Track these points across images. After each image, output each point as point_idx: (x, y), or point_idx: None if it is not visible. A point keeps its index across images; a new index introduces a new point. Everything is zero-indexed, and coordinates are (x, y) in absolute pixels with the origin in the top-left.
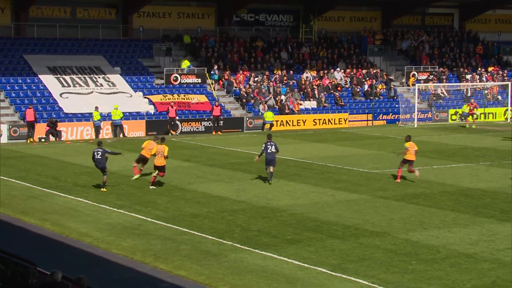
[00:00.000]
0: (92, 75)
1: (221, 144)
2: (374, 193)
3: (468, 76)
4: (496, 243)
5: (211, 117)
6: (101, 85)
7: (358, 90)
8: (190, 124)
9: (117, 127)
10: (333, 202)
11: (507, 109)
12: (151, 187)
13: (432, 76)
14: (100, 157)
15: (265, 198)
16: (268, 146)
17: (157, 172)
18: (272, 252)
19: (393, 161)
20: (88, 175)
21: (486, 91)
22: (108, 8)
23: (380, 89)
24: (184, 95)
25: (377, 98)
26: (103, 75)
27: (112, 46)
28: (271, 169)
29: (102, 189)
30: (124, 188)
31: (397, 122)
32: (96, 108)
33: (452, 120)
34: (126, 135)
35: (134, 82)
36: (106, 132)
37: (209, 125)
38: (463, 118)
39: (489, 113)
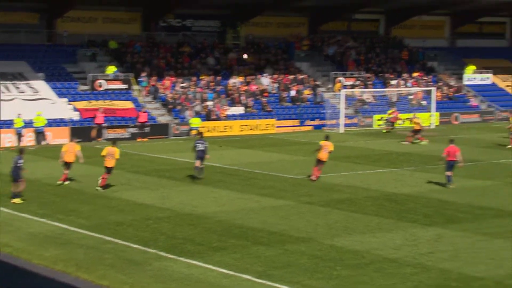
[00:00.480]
0: (14, 82)
1: (146, 151)
2: (300, 199)
3: (394, 82)
4: (419, 247)
5: (137, 123)
6: (24, 91)
7: (285, 95)
8: (115, 130)
9: (39, 134)
10: (259, 209)
11: (431, 115)
12: (99, 188)
13: (358, 82)
14: (17, 166)
15: (190, 205)
16: (198, 144)
17: (105, 173)
18: (197, 260)
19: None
20: (9, 184)
21: (411, 97)
22: (31, 13)
23: (306, 94)
24: (110, 101)
25: (304, 104)
26: (25, 81)
27: (35, 51)
28: (198, 163)
29: (14, 200)
30: (46, 196)
31: (323, 128)
32: (19, 115)
33: (378, 125)
34: (48, 142)
35: (58, 88)
36: (29, 139)
37: (135, 131)
38: (388, 123)
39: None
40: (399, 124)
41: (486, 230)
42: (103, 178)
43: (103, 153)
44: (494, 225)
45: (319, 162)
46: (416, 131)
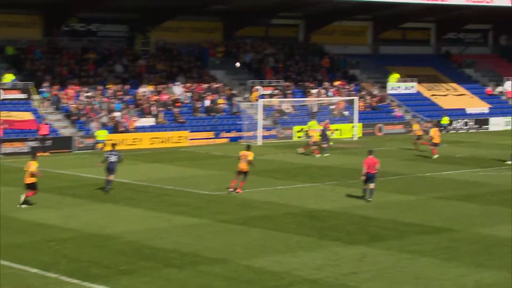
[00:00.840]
0: None
1: (48, 166)
2: (215, 216)
3: (314, 91)
4: (341, 267)
5: (37, 136)
6: None
7: (199, 106)
8: (12, 144)
9: None
10: (171, 228)
11: (353, 126)
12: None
13: (277, 91)
14: None
15: (96, 225)
16: (110, 156)
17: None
18: (103, 284)
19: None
20: None
21: (332, 107)
22: None
23: (221, 104)
24: (7, 113)
25: (219, 115)
26: None
27: None
28: (111, 177)
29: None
30: None
31: (240, 140)
32: None
33: (298, 137)
34: None
35: None
36: None
37: (35, 145)
38: (308, 135)
39: (335, 130)
40: (332, 136)
41: (411, 248)
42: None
43: (26, 168)
44: (419, 242)
45: (239, 173)
46: (315, 143)
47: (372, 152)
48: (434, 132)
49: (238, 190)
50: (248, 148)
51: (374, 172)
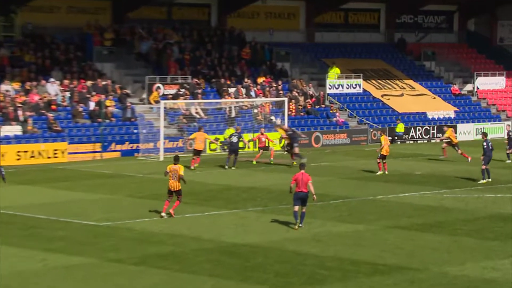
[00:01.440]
0: None
1: None
2: (104, 254)
3: (232, 90)
4: None
5: None
6: None
7: (80, 109)
8: None
9: None
10: (45, 271)
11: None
12: None
13: (183, 90)
14: None
15: None
16: None
17: None
18: None
19: (131, 209)
20: None
21: (255, 110)
22: None
23: (110, 107)
24: None
25: (108, 121)
26: None
27: None
28: None
29: None
30: None
31: (136, 154)
32: None
33: (211, 150)
34: None
35: None
36: None
37: None
38: (225, 147)
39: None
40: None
41: None
42: None
43: None
44: (370, 285)
45: (170, 192)
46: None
47: (304, 166)
48: (450, 133)
49: (171, 212)
50: (176, 160)
51: (307, 191)
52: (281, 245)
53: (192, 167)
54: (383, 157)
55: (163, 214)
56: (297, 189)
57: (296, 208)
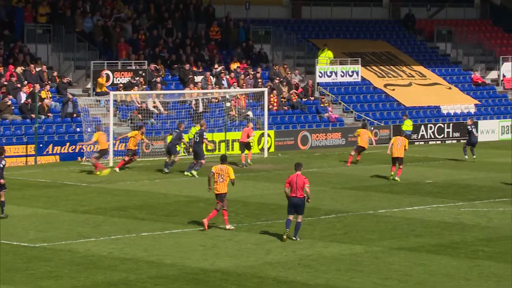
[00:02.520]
0: None
1: None
2: (40, 283)
3: (199, 79)
4: None
5: None
6: None
7: (9, 102)
8: None
9: None
10: None
11: (262, 133)
12: None
13: (137, 79)
14: None
15: None
16: None
17: None
18: None
19: (73, 227)
20: None
21: (228, 104)
22: None
23: (46, 100)
24: None
25: (43, 117)
26: None
27: None
28: None
29: None
30: None
31: (79, 158)
32: None
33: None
34: None
35: None
36: None
37: None
38: (189, 150)
39: (234, 141)
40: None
41: None
42: None
43: None
44: None
45: (218, 197)
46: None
47: (300, 167)
48: None
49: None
50: (223, 160)
51: (303, 196)
52: (259, 271)
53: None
54: (361, 149)
55: (228, 227)
56: (292, 194)
57: (291, 217)
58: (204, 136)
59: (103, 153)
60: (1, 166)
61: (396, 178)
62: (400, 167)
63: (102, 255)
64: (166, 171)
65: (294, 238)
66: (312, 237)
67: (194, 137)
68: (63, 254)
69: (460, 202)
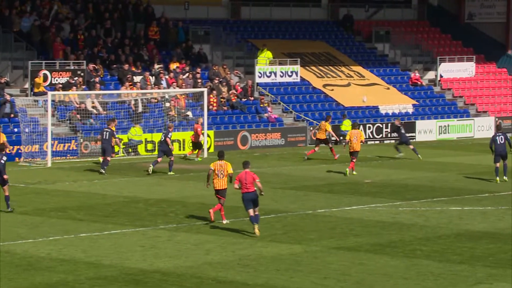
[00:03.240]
0: None
1: None
2: None
3: (138, 79)
4: None
5: None
6: None
7: None
8: None
9: None
10: None
11: (202, 133)
12: None
13: (76, 78)
14: None
15: None
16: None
17: None
18: None
19: (11, 228)
20: None
21: (167, 104)
22: None
23: None
24: None
25: None
26: None
27: None
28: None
29: None
30: None
31: (17, 159)
32: None
33: (114, 153)
34: None
35: None
36: None
37: None
38: (130, 150)
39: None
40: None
41: None
42: None
43: None
44: None
45: (218, 192)
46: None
47: (248, 164)
48: None
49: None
50: (220, 156)
51: (254, 190)
52: (199, 271)
53: None
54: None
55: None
56: (244, 190)
57: (251, 212)
58: (169, 136)
59: None
60: (2, 162)
61: (354, 172)
62: (354, 160)
63: (41, 256)
64: (102, 171)
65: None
66: (251, 237)
67: (161, 137)
68: (1, 255)
69: (398, 202)
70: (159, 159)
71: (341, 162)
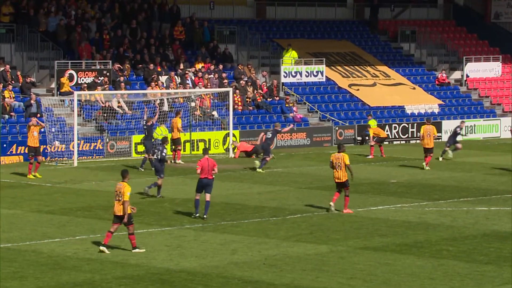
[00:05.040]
0: None
1: None
2: (5, 284)
3: (164, 79)
4: None
5: None
6: None
7: None
8: None
9: None
10: None
11: (227, 133)
12: None
13: (102, 79)
14: None
15: None
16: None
17: None
18: None
19: (38, 227)
20: None
21: (193, 104)
22: None
23: (8, 99)
24: None
25: (7, 117)
26: None
27: None
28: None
29: None
30: None
31: (43, 159)
32: None
33: (139, 153)
34: None
35: None
36: None
37: None
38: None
39: (199, 141)
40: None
41: None
42: None
43: None
44: None
45: (338, 185)
46: None
47: (207, 151)
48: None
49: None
50: (340, 148)
51: (212, 178)
52: (225, 271)
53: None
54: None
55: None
56: (202, 176)
57: (198, 196)
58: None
59: None
60: (164, 154)
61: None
62: (431, 155)
63: (67, 255)
64: (141, 169)
65: (205, 216)
66: (277, 237)
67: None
68: (27, 254)
69: (424, 202)
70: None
71: (366, 162)
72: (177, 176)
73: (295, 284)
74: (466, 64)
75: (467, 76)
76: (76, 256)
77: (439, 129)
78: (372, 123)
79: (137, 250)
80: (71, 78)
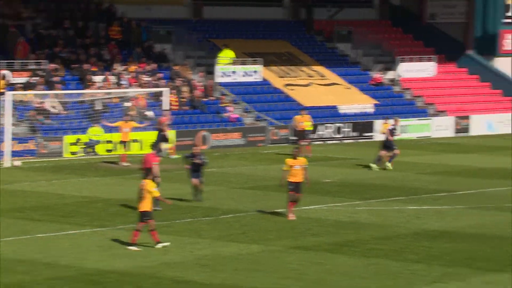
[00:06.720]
0: None
1: None
2: None
3: (98, 79)
4: None
5: None
6: None
7: None
8: None
9: None
10: None
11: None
12: None
13: (36, 79)
14: None
15: None
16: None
17: None
18: None
19: None
20: None
21: (127, 104)
22: None
23: None
24: None
25: None
26: None
27: None
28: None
29: None
30: None
31: None
32: None
33: (72, 154)
34: None
35: None
36: None
37: None
38: (89, 150)
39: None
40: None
41: None
42: None
43: None
44: None
45: None
46: None
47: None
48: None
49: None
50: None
51: (150, 166)
52: (157, 271)
53: None
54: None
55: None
56: (145, 165)
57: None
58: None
59: None
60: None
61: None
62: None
63: None
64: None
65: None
66: (209, 237)
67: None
68: None
69: (356, 201)
70: None
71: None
72: (111, 176)
73: (226, 284)
74: (400, 64)
75: (400, 76)
76: (7, 257)
77: (371, 129)
78: (307, 123)
79: (160, 245)
80: (5, 78)
